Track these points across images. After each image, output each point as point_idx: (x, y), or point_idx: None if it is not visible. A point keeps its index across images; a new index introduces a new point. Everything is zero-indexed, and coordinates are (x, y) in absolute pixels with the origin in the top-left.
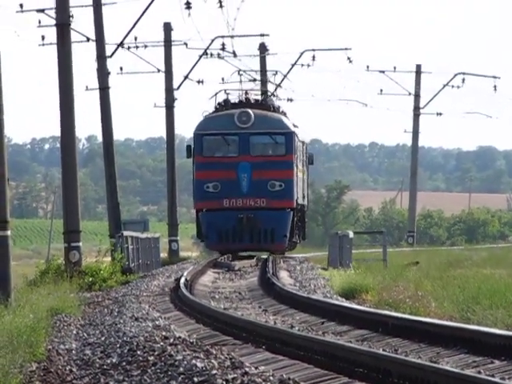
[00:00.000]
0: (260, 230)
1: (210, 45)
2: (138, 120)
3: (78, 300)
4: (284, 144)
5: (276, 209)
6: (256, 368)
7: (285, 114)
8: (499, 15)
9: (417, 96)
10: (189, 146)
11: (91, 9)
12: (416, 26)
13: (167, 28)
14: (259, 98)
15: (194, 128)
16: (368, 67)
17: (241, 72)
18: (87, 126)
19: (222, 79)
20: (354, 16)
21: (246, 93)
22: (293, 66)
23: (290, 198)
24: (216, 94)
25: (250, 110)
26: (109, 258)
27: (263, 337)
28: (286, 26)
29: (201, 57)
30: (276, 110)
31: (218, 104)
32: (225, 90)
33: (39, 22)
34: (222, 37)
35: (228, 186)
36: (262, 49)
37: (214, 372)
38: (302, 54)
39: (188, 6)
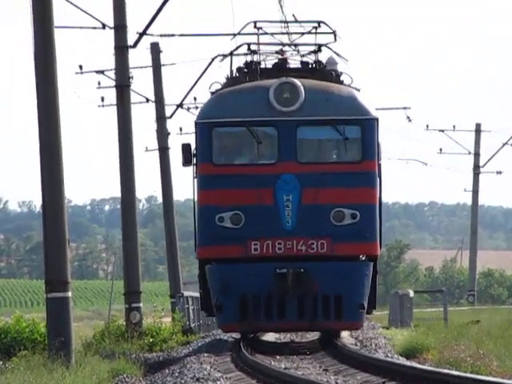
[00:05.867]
0: (316, 296)
1: None
2: None
3: (139, 361)
4: (360, 141)
5: (346, 258)
6: None
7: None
8: None
9: (476, 155)
10: (187, 146)
11: (150, 69)
12: (475, 85)
13: None
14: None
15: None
16: (427, 126)
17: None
18: (147, 186)
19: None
20: (413, 75)
21: (282, 51)
22: None
23: (372, 239)
24: (232, 53)
25: (296, 80)
26: (169, 319)
27: None
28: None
29: None
30: (341, 80)
31: (238, 70)
32: (248, 46)
33: (99, 83)
34: None
35: (258, 217)
36: None
37: None
38: None
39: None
